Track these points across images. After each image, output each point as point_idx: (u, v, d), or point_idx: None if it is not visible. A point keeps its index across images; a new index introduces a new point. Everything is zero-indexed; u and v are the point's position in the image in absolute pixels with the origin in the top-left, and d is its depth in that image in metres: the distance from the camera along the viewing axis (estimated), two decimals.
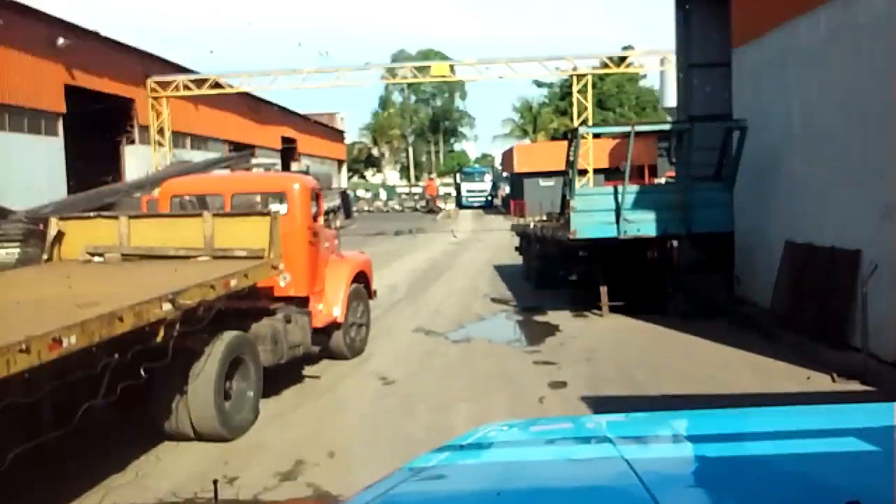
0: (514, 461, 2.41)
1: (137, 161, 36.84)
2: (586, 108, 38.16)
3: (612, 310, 15.34)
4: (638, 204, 14.77)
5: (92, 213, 11.29)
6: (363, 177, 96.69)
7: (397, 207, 67.90)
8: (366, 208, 64.75)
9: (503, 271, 23.42)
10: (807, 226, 12.77)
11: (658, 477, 1.99)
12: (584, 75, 38.83)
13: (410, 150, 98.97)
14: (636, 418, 3.03)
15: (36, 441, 6.23)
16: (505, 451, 2.54)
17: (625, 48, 48.23)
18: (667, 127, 20.47)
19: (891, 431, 2.15)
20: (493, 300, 18.45)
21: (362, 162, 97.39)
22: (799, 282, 12.76)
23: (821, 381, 9.87)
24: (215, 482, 2.62)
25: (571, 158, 15.42)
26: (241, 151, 42.23)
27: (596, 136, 31.83)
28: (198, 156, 40.13)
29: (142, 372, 6.96)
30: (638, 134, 15.53)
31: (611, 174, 35.79)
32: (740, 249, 15.56)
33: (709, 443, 2.40)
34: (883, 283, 10.10)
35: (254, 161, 37.53)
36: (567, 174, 15.54)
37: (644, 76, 76.63)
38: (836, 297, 11.52)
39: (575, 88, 38.84)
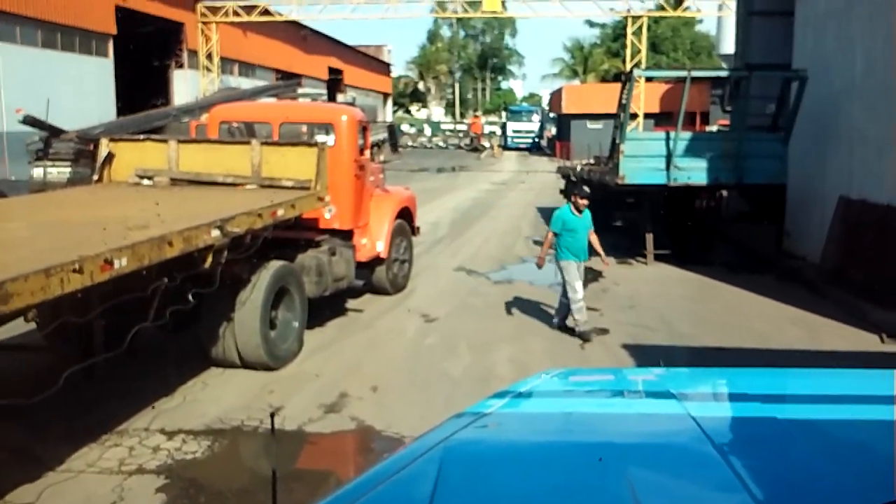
0: (578, 412, 2.35)
1: (186, 86, 36.99)
2: (640, 51, 37.45)
3: (657, 258, 15.18)
4: (689, 151, 14.50)
5: (142, 136, 11.30)
6: (408, 111, 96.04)
7: (441, 144, 67.24)
8: (409, 143, 64.27)
9: (547, 214, 23.23)
10: (863, 181, 12.46)
11: (726, 435, 1.96)
12: (640, 17, 38.06)
13: (457, 86, 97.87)
14: (698, 373, 3.00)
15: (89, 362, 6.33)
16: (566, 401, 2.49)
17: None
18: (724, 74, 19.97)
19: None
20: (536, 242, 18.33)
21: (408, 96, 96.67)
22: (851, 238, 12.51)
23: (869, 341, 9.71)
24: (272, 414, 2.60)
25: (624, 101, 15.13)
26: (289, 80, 42.19)
27: (648, 79, 31.20)
28: (245, 83, 40.18)
29: (189, 297, 7.02)
30: (693, 80, 15.15)
31: (661, 119, 35.19)
32: (792, 202, 15.25)
33: (774, 403, 2.34)
34: None
35: (300, 91, 37.44)
36: (618, 117, 15.26)
37: (700, 21, 74.75)
38: (889, 256, 11.28)
39: (629, 30, 38.11)
